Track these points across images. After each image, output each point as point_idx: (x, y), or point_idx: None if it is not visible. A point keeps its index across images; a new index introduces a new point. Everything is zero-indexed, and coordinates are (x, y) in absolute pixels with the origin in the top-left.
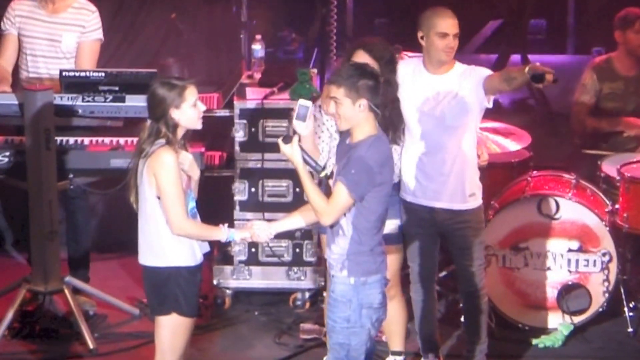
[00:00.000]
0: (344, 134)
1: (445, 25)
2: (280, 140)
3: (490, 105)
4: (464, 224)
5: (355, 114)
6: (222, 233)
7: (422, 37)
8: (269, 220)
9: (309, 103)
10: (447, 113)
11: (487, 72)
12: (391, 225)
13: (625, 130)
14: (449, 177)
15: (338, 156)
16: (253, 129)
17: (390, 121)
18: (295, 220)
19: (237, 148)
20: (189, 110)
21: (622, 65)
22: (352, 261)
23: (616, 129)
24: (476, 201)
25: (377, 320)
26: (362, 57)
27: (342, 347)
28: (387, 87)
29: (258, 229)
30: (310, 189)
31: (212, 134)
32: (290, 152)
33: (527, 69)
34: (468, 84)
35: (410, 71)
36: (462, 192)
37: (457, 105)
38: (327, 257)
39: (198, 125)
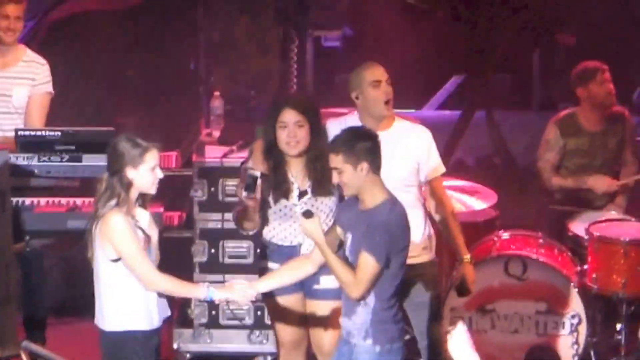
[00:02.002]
0: (349, 200)
1: (375, 74)
2: (301, 216)
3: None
4: (419, 278)
5: (358, 179)
6: (200, 291)
7: (356, 97)
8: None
9: (257, 173)
10: (389, 172)
11: (438, 170)
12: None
13: (592, 189)
14: None
15: (348, 224)
16: (212, 189)
17: (322, 174)
18: (281, 279)
19: (196, 208)
20: (145, 173)
21: (586, 120)
22: (376, 329)
23: (583, 187)
24: (429, 254)
25: None
26: (288, 113)
27: None
28: (316, 139)
29: (238, 293)
30: (335, 263)
31: (171, 194)
32: (312, 228)
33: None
34: (415, 150)
35: (340, 129)
36: (414, 246)
37: (400, 161)
38: (344, 324)
39: (152, 190)
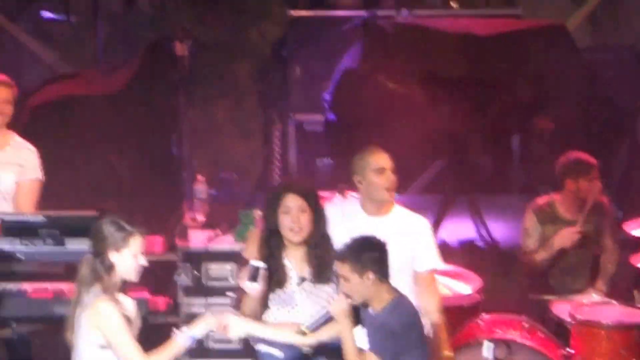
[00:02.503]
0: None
1: (380, 161)
2: (333, 301)
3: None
4: None
5: (364, 287)
6: (180, 341)
7: (359, 181)
8: None
9: (260, 263)
10: None
11: (433, 263)
12: None
13: (560, 246)
14: None
15: (366, 326)
16: (197, 273)
17: (323, 260)
18: (272, 332)
19: (180, 292)
20: (128, 259)
21: (565, 209)
22: None
23: (554, 250)
24: None
25: None
26: (291, 199)
27: None
28: (318, 225)
29: (231, 322)
30: (353, 352)
31: (156, 279)
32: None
33: None
34: (412, 240)
35: (339, 212)
36: None
37: (396, 250)
38: None
39: (133, 278)
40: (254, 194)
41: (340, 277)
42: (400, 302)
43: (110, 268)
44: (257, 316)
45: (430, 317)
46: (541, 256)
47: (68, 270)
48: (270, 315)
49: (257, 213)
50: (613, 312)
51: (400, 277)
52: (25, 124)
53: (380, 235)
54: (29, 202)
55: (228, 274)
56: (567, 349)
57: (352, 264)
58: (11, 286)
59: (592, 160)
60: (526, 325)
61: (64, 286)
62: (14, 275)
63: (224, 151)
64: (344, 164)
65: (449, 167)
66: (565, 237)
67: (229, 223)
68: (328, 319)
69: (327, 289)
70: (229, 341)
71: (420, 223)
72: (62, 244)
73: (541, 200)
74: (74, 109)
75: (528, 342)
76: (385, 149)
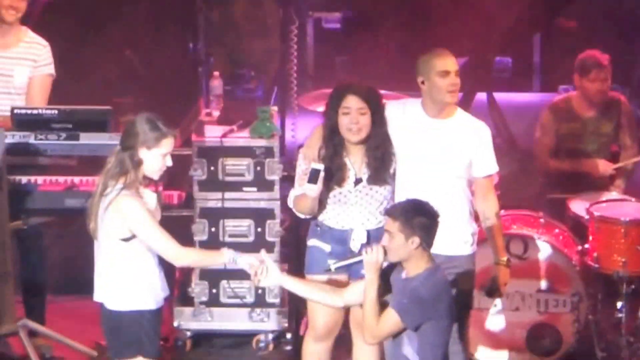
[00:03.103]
0: (398, 266)
1: (445, 64)
2: (364, 252)
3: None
4: (456, 269)
5: (406, 249)
6: (224, 255)
7: (422, 82)
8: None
9: (321, 166)
10: (443, 160)
11: (490, 169)
12: None
13: (588, 170)
14: (443, 222)
15: (394, 289)
16: (212, 168)
17: (381, 162)
18: (308, 291)
19: (195, 187)
20: (156, 158)
21: (580, 106)
22: None
23: (579, 170)
24: (469, 248)
25: None
26: (352, 100)
27: None
28: (378, 128)
29: (271, 269)
30: (369, 303)
31: (169, 173)
32: (372, 265)
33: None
34: (471, 144)
35: (400, 114)
36: (456, 238)
37: (455, 152)
38: None
39: (155, 176)
40: (270, 91)
41: (386, 232)
42: (435, 272)
43: (138, 164)
44: (314, 214)
45: (487, 222)
46: (564, 166)
47: (81, 164)
48: (325, 214)
49: (274, 109)
50: (630, 209)
51: (457, 181)
52: (38, 19)
53: (441, 138)
54: (41, 97)
55: (244, 169)
56: (584, 246)
57: (402, 224)
58: (23, 179)
59: (602, 59)
60: (543, 222)
61: (76, 179)
62: (26, 168)
63: (240, 48)
64: (362, 63)
65: (468, 65)
66: (600, 168)
67: (245, 119)
68: (355, 263)
69: (383, 191)
70: (243, 235)
71: (482, 128)
72: (75, 138)
73: (558, 98)
74: (90, 4)
75: (544, 238)
76: (405, 47)
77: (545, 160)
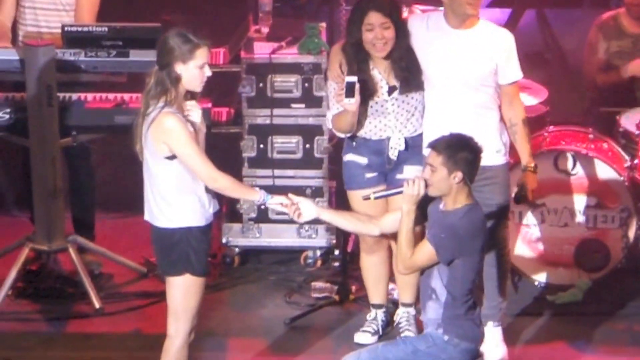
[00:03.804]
0: (437, 199)
1: None
2: (405, 183)
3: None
4: (490, 180)
5: (448, 184)
6: (257, 193)
7: None
8: (278, 177)
9: (354, 78)
10: (468, 69)
11: (515, 75)
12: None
13: (634, 74)
14: (473, 132)
15: (431, 219)
16: (261, 84)
17: (409, 71)
18: (344, 221)
19: (244, 104)
20: (194, 70)
21: (628, 22)
22: (449, 323)
23: (625, 77)
24: (502, 158)
25: None
26: (374, 16)
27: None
28: (401, 39)
29: (304, 207)
30: (405, 233)
31: (218, 90)
32: (411, 196)
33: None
34: (496, 51)
35: (424, 25)
36: (487, 148)
37: (480, 60)
38: (423, 319)
39: (198, 88)
40: (319, 7)
41: (428, 165)
42: (474, 208)
43: (176, 80)
44: (353, 131)
45: (514, 128)
46: (611, 78)
47: (131, 81)
48: (362, 128)
49: (322, 26)
50: None
51: (484, 90)
52: None
53: (465, 47)
54: (89, 14)
55: (292, 86)
56: (634, 161)
57: (446, 158)
58: (73, 96)
59: None
60: (592, 137)
61: (126, 96)
62: (76, 85)
63: None
64: None
65: None
66: None
67: (294, 36)
68: (396, 194)
69: (417, 96)
70: (292, 152)
71: (505, 36)
72: (125, 55)
73: (606, 14)
74: None
75: (592, 154)
76: None
77: (594, 79)
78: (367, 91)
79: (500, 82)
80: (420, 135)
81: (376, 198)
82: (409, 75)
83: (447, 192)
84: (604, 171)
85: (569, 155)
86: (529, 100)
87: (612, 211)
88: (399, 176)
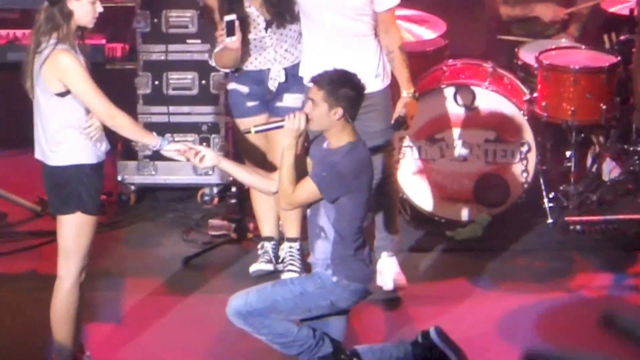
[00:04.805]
0: (318, 138)
1: None
2: (287, 117)
3: None
4: (370, 108)
5: (328, 119)
6: (153, 138)
7: None
8: (174, 114)
9: (233, 16)
10: (338, 1)
11: (391, 2)
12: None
13: (539, 16)
14: (351, 60)
15: (314, 158)
16: (156, 20)
17: (280, 5)
18: (242, 174)
19: (139, 40)
20: (86, 6)
21: None
22: (338, 263)
23: (530, 15)
24: (381, 82)
25: (321, 315)
26: None
27: (276, 294)
28: None
29: (205, 154)
30: (286, 170)
31: (113, 25)
32: (291, 131)
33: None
34: None
35: None
36: (367, 75)
37: None
38: (312, 259)
39: (90, 24)
40: None
41: (310, 100)
42: (357, 146)
43: (68, 16)
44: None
45: (391, 55)
46: (515, 12)
47: (24, 17)
48: (248, 63)
49: None
50: (581, 57)
51: (362, 19)
52: None
53: None
54: None
55: (188, 21)
56: (533, 95)
57: (327, 93)
58: None
59: None
60: (491, 71)
61: (18, 33)
62: None
63: None
64: None
65: None
66: (551, 12)
67: None
68: (277, 128)
69: (294, 27)
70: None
71: None
72: None
73: None
74: None
75: (492, 88)
76: None
77: (496, 8)
78: (246, 29)
79: (377, 10)
80: (299, 64)
81: (256, 132)
82: (281, 9)
83: (328, 127)
84: (504, 105)
85: (469, 89)
86: (428, 34)
87: (512, 145)
88: (279, 104)
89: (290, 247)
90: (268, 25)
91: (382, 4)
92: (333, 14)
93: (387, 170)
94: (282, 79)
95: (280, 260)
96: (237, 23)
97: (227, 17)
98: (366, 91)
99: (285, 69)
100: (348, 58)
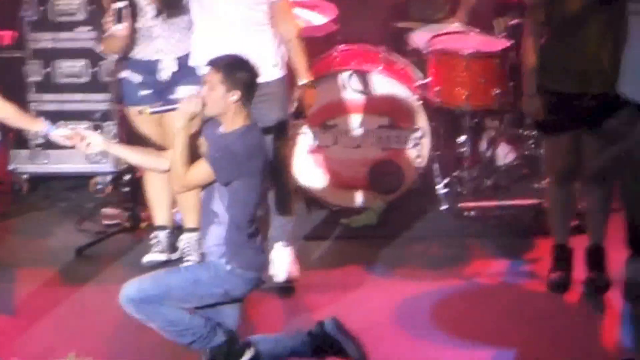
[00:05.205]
0: (212, 121)
1: None
2: (184, 100)
3: None
4: (266, 97)
5: (224, 103)
6: (39, 124)
7: None
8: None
9: (123, 3)
10: None
11: None
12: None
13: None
14: (247, 49)
15: (208, 141)
16: (43, 8)
17: None
18: (134, 156)
19: (27, 27)
20: None
21: None
22: (231, 251)
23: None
24: (279, 72)
25: (215, 303)
26: None
27: (166, 279)
28: None
29: (92, 140)
30: (179, 155)
31: (1, 13)
32: (183, 114)
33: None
34: None
35: None
36: (263, 64)
37: None
38: (204, 247)
39: None
40: None
41: (206, 83)
42: (251, 129)
43: None
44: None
45: (289, 45)
46: None
47: None
48: (133, 51)
49: None
50: (472, 41)
51: (258, 8)
52: None
53: None
54: None
55: (75, 9)
56: (425, 79)
57: (224, 76)
58: None
59: None
60: (383, 56)
61: None
62: None
63: None
64: None
65: None
66: None
67: None
68: (171, 111)
69: (185, 17)
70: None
71: None
72: None
73: None
74: None
75: (385, 73)
76: None
77: None
78: (135, 16)
79: None
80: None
81: (152, 113)
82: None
83: (223, 111)
84: (397, 90)
85: (361, 75)
86: (318, 18)
87: (406, 131)
88: (172, 97)
89: (189, 238)
90: (158, 14)
91: None
92: (228, 3)
93: (283, 160)
94: (175, 68)
95: (178, 250)
96: (124, 12)
97: (117, 4)
98: (263, 80)
99: (178, 58)
100: (244, 47)
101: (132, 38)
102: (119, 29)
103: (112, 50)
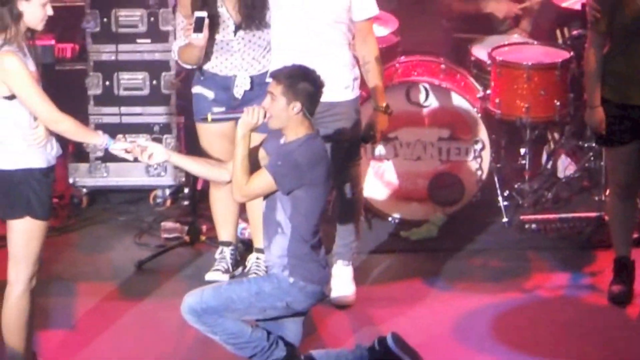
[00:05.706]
0: (274, 134)
1: None
2: (245, 112)
3: None
4: (339, 117)
5: (287, 115)
6: (99, 137)
7: None
8: (125, 115)
9: (204, 13)
10: (321, 6)
11: (370, 12)
12: None
13: (493, 12)
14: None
15: (270, 151)
16: (105, 19)
17: (253, 7)
18: (193, 166)
19: (89, 40)
20: (37, 8)
21: None
22: (294, 264)
23: (484, 12)
24: (351, 93)
25: (277, 316)
26: None
27: (233, 292)
28: None
29: (154, 150)
30: (240, 161)
31: (62, 25)
32: (246, 123)
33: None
34: None
35: None
36: (336, 84)
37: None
38: (266, 259)
39: (39, 27)
40: None
41: (269, 94)
42: (313, 137)
43: (17, 17)
44: (200, 64)
45: (367, 66)
46: (467, 8)
47: None
48: (209, 63)
49: None
50: (533, 53)
51: (337, 27)
52: None
53: None
54: None
55: (137, 21)
56: (486, 92)
57: (286, 87)
58: None
59: None
60: (444, 68)
61: None
62: None
63: None
64: None
65: None
66: (504, 8)
67: None
68: (234, 119)
69: (265, 36)
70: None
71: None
72: None
73: None
74: None
75: (445, 85)
76: None
77: (448, 3)
78: (215, 28)
79: (355, 19)
80: (267, 73)
81: (213, 120)
82: (253, 11)
83: (286, 123)
84: (457, 102)
85: (421, 87)
86: (380, 30)
87: (466, 143)
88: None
89: (258, 258)
90: (237, 28)
91: (360, 13)
92: (310, 20)
93: (353, 180)
94: (248, 87)
95: (240, 266)
96: (206, 21)
97: (198, 13)
98: (335, 100)
99: (251, 77)
100: (319, 67)
101: (211, 51)
102: (198, 38)
103: (186, 60)
